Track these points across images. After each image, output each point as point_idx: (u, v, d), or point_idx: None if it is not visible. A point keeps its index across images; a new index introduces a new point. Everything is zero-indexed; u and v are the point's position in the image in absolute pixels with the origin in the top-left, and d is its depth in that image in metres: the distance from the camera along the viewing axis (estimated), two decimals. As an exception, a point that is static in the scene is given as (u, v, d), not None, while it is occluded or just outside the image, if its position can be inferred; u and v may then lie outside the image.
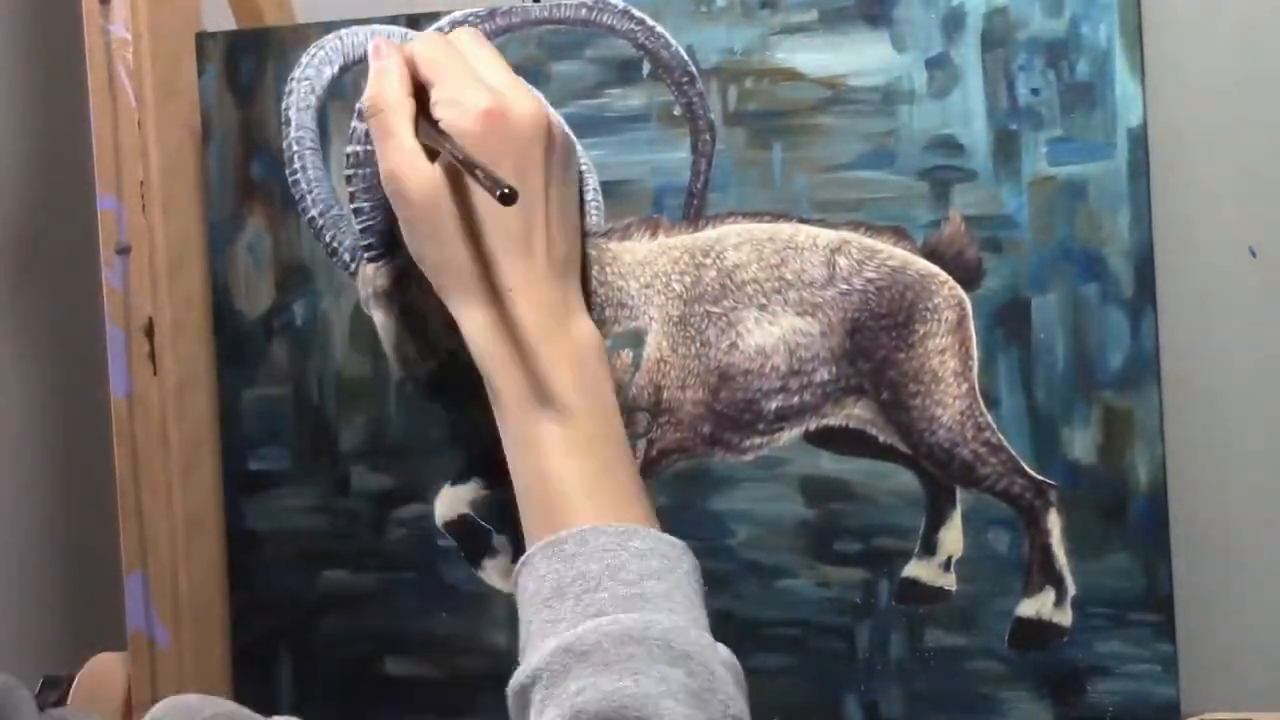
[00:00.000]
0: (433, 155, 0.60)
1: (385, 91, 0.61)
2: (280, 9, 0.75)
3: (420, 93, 0.61)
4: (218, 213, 0.72)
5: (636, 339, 0.67)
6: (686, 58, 0.66)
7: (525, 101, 0.59)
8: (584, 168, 0.67)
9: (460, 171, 0.58)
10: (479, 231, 0.59)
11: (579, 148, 0.67)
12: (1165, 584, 0.61)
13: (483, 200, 0.58)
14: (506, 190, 0.54)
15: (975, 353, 0.63)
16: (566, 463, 0.57)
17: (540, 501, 0.57)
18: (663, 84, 0.66)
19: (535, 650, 0.53)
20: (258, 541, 0.71)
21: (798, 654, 0.65)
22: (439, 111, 0.59)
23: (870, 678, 0.65)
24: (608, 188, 0.67)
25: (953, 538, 0.64)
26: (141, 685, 0.71)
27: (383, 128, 0.60)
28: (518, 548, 0.68)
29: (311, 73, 0.69)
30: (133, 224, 0.70)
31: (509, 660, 0.68)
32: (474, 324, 0.59)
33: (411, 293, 0.68)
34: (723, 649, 0.54)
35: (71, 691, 0.72)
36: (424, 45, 0.62)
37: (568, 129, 0.62)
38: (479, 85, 0.59)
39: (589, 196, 0.67)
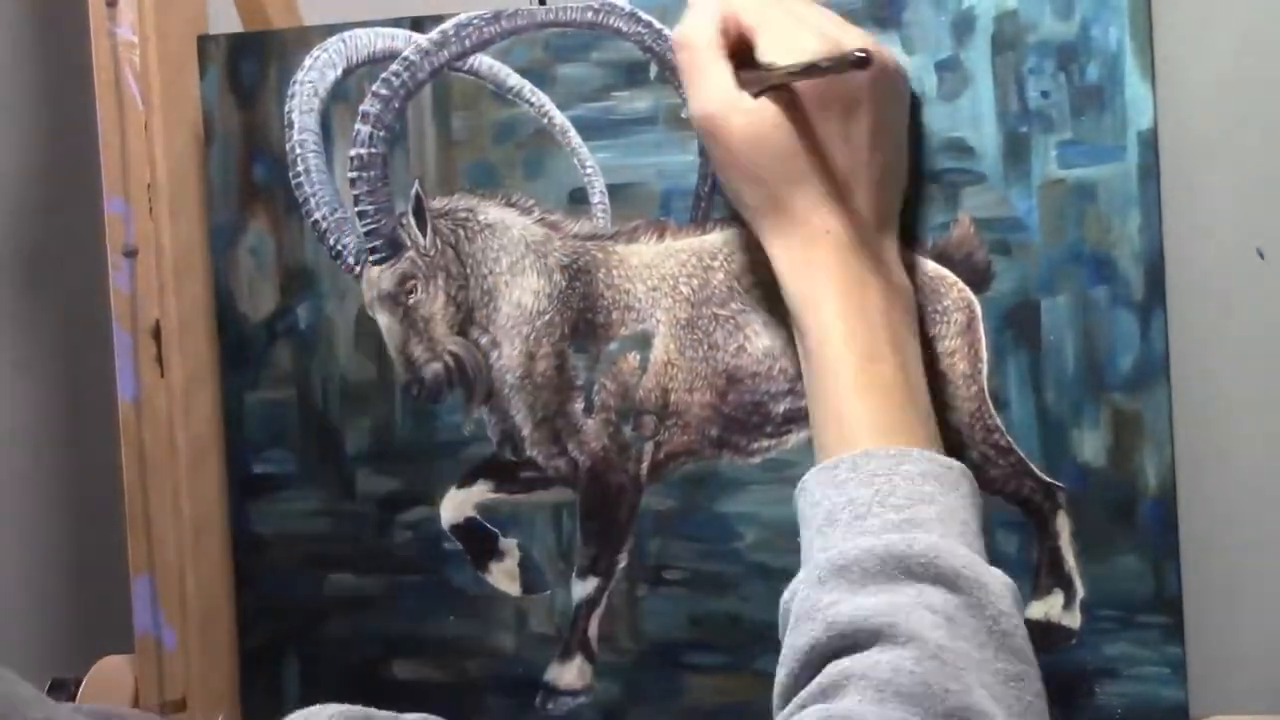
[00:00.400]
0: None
1: (699, 27, 0.59)
2: (287, 12, 0.75)
3: (739, 46, 0.59)
4: (220, 216, 0.72)
5: (644, 342, 0.66)
6: (694, 60, 0.65)
7: (856, 43, 0.57)
8: (590, 170, 0.67)
9: (786, 110, 0.57)
10: (803, 172, 0.57)
11: (585, 150, 0.67)
12: (1174, 586, 0.61)
13: (810, 140, 0.57)
14: (860, 54, 0.53)
15: (984, 355, 0.63)
16: (860, 401, 0.56)
17: (832, 436, 0.57)
18: (670, 86, 0.66)
19: (801, 571, 0.53)
20: (264, 544, 0.71)
21: (806, 657, 0.65)
22: (766, 57, 0.57)
23: (879, 681, 0.64)
24: (614, 190, 0.67)
25: (961, 540, 0.64)
26: (149, 687, 0.71)
27: (694, 64, 0.59)
28: (524, 551, 0.69)
29: (315, 75, 0.69)
30: (140, 227, 0.70)
31: (516, 663, 0.69)
32: (788, 263, 0.59)
33: (416, 295, 0.68)
34: (997, 571, 0.53)
35: (79, 694, 0.72)
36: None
37: (903, 74, 0.60)
38: (806, 29, 0.57)
39: (595, 199, 0.67)
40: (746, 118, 0.58)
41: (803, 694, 0.51)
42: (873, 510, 0.53)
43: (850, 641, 0.50)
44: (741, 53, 0.59)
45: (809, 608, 0.51)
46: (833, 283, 0.57)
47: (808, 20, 0.58)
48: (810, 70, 0.56)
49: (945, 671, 0.49)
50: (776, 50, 0.58)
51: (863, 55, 0.54)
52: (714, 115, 0.58)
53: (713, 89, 0.58)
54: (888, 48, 0.60)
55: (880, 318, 0.58)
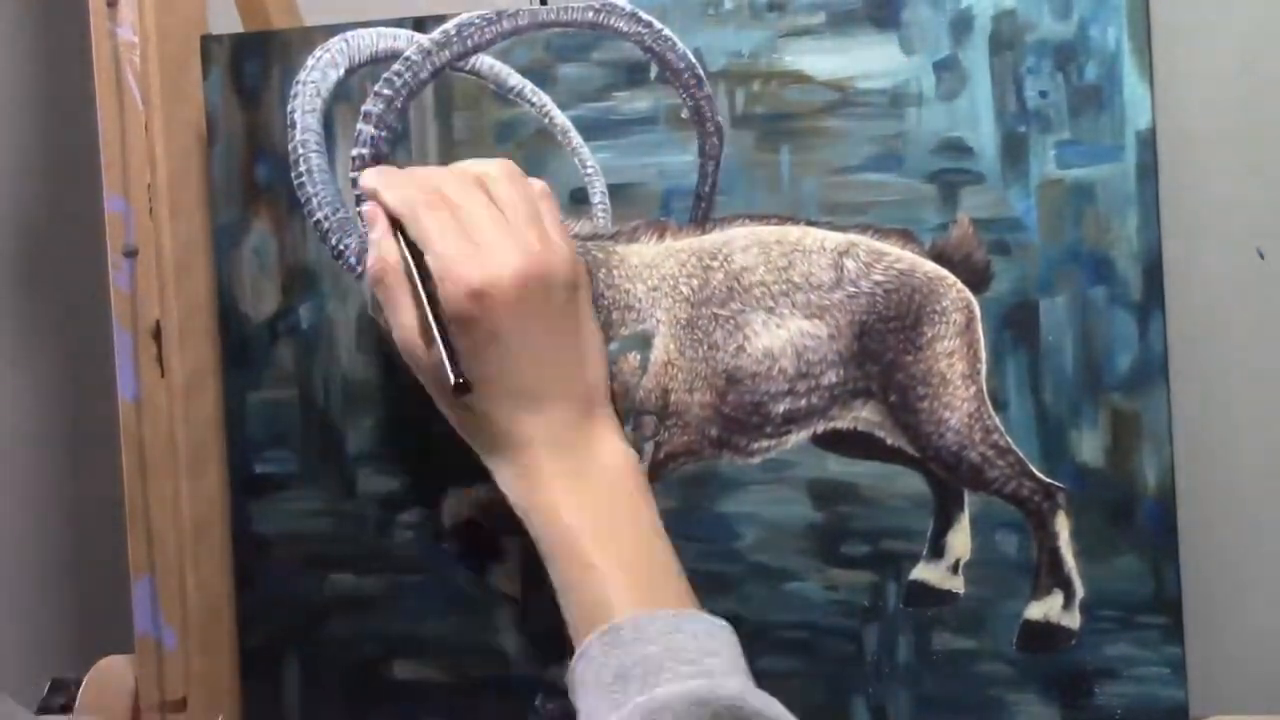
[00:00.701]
0: None
1: (385, 256, 0.60)
2: (288, 13, 0.75)
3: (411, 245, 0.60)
4: (223, 216, 0.72)
5: (644, 341, 0.67)
6: (694, 60, 0.66)
7: (512, 260, 0.58)
8: (591, 170, 0.67)
9: (466, 342, 0.59)
10: (492, 395, 0.59)
11: (586, 150, 0.67)
12: (1173, 586, 0.61)
13: (491, 365, 0.59)
14: (461, 381, 0.56)
15: (983, 355, 0.63)
16: (612, 588, 0.57)
17: (586, 603, 0.57)
18: (670, 86, 0.66)
19: None
20: (264, 544, 0.71)
21: (805, 657, 0.65)
22: (435, 285, 0.59)
23: (878, 680, 0.65)
24: (615, 190, 0.67)
25: (961, 540, 0.64)
26: (149, 688, 0.71)
27: (388, 296, 0.60)
28: (524, 551, 0.68)
29: (317, 75, 0.69)
30: (140, 226, 0.70)
31: (515, 663, 0.69)
32: (503, 477, 0.60)
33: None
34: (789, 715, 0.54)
35: (79, 694, 0.72)
36: (405, 208, 0.60)
37: (566, 262, 0.60)
38: (465, 254, 0.58)
39: (596, 199, 0.67)
40: (431, 353, 0.59)
41: None
42: (665, 665, 0.53)
43: None
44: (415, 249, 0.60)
45: None
46: (549, 491, 0.59)
47: (474, 231, 0.59)
48: (446, 346, 0.58)
49: None
50: (440, 280, 0.58)
51: (461, 383, 0.57)
52: (408, 352, 0.60)
53: (405, 321, 0.60)
54: (545, 247, 0.59)
55: (604, 498, 0.59)
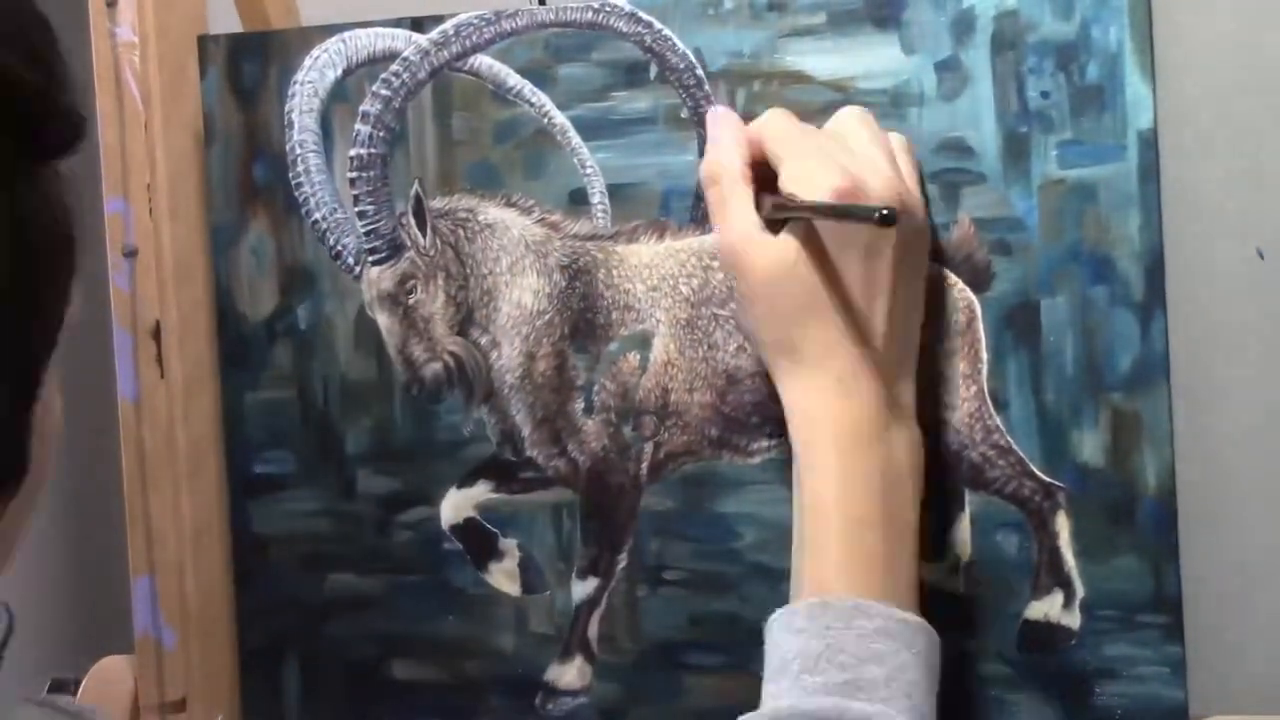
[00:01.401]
0: (774, 230, 0.58)
1: (723, 160, 0.59)
2: (287, 13, 0.75)
3: (763, 170, 0.59)
4: (220, 216, 0.72)
5: (644, 342, 0.66)
6: (694, 60, 0.66)
7: (879, 181, 0.56)
8: (590, 170, 0.67)
9: (807, 248, 0.56)
10: (819, 313, 0.57)
11: (586, 150, 0.67)
12: (1174, 586, 0.61)
13: (828, 281, 0.56)
14: (885, 211, 0.52)
15: (984, 355, 0.63)
16: (839, 568, 0.56)
17: (808, 584, 0.56)
18: (670, 86, 0.66)
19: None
20: (264, 545, 0.71)
21: (806, 657, 0.65)
22: (789, 188, 0.57)
23: (878, 681, 0.64)
24: (614, 190, 0.67)
25: (961, 540, 0.64)
26: (149, 688, 0.71)
27: (720, 198, 0.59)
28: (524, 551, 0.69)
29: (315, 75, 0.69)
30: (140, 226, 0.70)
31: (515, 663, 0.69)
32: (796, 408, 0.58)
33: (416, 295, 0.68)
34: None
35: (79, 694, 0.72)
36: (775, 123, 0.60)
37: (922, 213, 0.59)
38: (832, 162, 0.57)
39: (595, 200, 0.67)
40: (767, 254, 0.57)
41: None
42: (819, 666, 0.53)
43: None
44: (765, 178, 0.59)
45: None
46: (835, 440, 0.57)
47: (833, 156, 0.57)
48: (832, 211, 0.55)
49: None
50: (798, 183, 0.57)
51: (887, 214, 0.52)
52: (737, 250, 0.58)
53: (737, 223, 0.58)
54: (913, 195, 0.59)
55: (879, 480, 0.57)
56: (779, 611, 0.56)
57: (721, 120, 0.61)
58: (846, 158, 0.57)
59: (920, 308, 0.60)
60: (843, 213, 0.55)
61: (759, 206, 0.59)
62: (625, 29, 0.66)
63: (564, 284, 0.67)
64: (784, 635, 0.55)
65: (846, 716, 0.52)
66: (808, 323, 0.57)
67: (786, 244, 0.57)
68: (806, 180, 0.57)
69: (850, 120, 0.60)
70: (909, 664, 0.54)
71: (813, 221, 0.57)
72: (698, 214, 0.66)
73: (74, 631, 0.94)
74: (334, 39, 0.69)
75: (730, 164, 0.59)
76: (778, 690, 0.54)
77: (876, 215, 0.53)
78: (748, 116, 0.65)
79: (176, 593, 0.71)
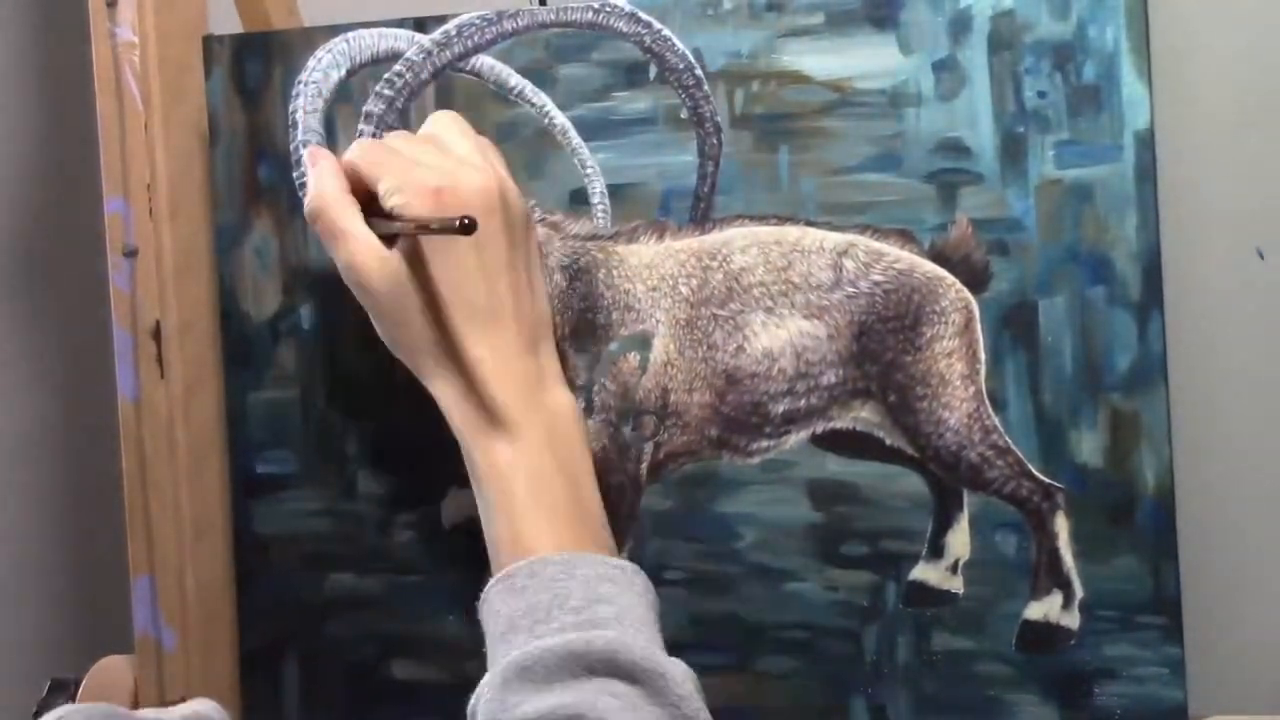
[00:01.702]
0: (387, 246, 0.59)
1: (325, 190, 0.60)
2: (288, 13, 0.75)
3: (366, 199, 0.60)
4: (224, 216, 0.72)
5: (644, 342, 0.67)
6: (693, 60, 0.66)
7: (473, 175, 0.59)
8: (590, 170, 0.67)
9: (420, 252, 0.58)
10: (445, 308, 0.59)
11: (586, 150, 0.67)
12: (1172, 587, 0.61)
13: (446, 276, 0.58)
14: (466, 221, 0.55)
15: (982, 355, 0.63)
16: (531, 523, 0.57)
17: (507, 555, 0.58)
18: (669, 87, 0.66)
19: (485, 676, 0.54)
20: (264, 544, 0.72)
21: (805, 657, 0.65)
22: (389, 202, 0.59)
23: (878, 681, 0.65)
24: (614, 191, 0.67)
25: (960, 540, 0.64)
26: (149, 688, 0.71)
27: (329, 225, 0.60)
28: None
29: (319, 76, 0.69)
30: (140, 227, 0.70)
31: (516, 663, 0.68)
32: (448, 398, 0.59)
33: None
34: (677, 660, 0.54)
35: (79, 694, 0.72)
36: (360, 150, 0.61)
37: (520, 198, 0.61)
38: (423, 168, 0.59)
39: (595, 200, 0.67)
40: (385, 269, 0.58)
41: None
42: (552, 614, 0.54)
43: None
44: (369, 201, 0.60)
45: (494, 710, 0.52)
46: (493, 413, 0.58)
47: (424, 162, 0.59)
48: (422, 228, 0.57)
49: None
50: (396, 194, 0.58)
51: (468, 222, 0.55)
52: (357, 268, 0.59)
53: (351, 243, 0.59)
54: (509, 182, 0.60)
55: (543, 438, 0.58)
56: (491, 583, 0.57)
57: (316, 156, 0.62)
58: (439, 159, 0.59)
59: (540, 274, 0.62)
60: (426, 227, 0.57)
61: (370, 227, 0.60)
62: (625, 29, 0.66)
63: (564, 284, 0.67)
64: (505, 599, 0.55)
65: (594, 644, 0.52)
66: (438, 322, 0.59)
67: (399, 256, 0.59)
68: (404, 190, 0.58)
69: (443, 121, 0.62)
70: (634, 603, 0.55)
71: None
72: (697, 214, 0.66)
73: (74, 631, 0.94)
74: (338, 39, 0.69)
75: (332, 192, 0.60)
76: (510, 647, 0.54)
77: (458, 224, 0.55)
78: (743, 119, 0.65)
79: (177, 593, 0.71)
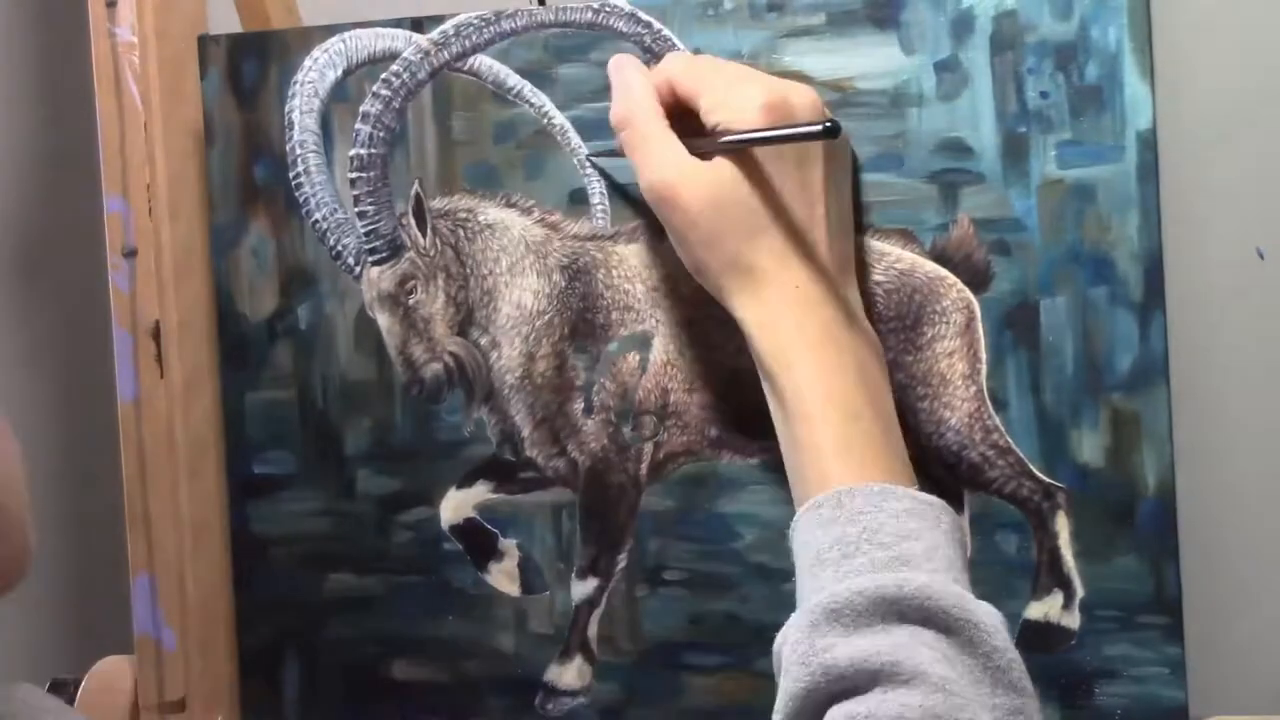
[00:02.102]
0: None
1: (635, 101, 0.59)
2: (287, 13, 0.75)
3: (677, 111, 0.59)
4: (221, 216, 0.72)
5: (644, 342, 0.66)
6: (693, 60, 0.66)
7: (802, 91, 0.58)
8: (590, 171, 0.67)
9: (740, 168, 0.56)
10: (765, 228, 0.57)
11: (585, 150, 0.67)
12: (1173, 587, 0.61)
13: (767, 194, 0.57)
14: (829, 124, 0.53)
15: (984, 355, 0.63)
16: (842, 462, 0.55)
17: (805, 465, 0.56)
18: (669, 86, 0.66)
19: (793, 615, 0.53)
20: (263, 544, 0.71)
21: (805, 657, 0.65)
22: (714, 117, 0.57)
23: (878, 681, 0.64)
24: (614, 190, 0.67)
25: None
26: (148, 687, 0.71)
27: (638, 137, 0.59)
28: (524, 551, 0.69)
29: (315, 76, 0.69)
30: (139, 227, 0.70)
31: (515, 664, 0.69)
32: (758, 323, 0.58)
33: (416, 295, 0.68)
34: (987, 605, 0.52)
35: (79, 694, 0.72)
36: (679, 61, 0.60)
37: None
38: (750, 82, 0.58)
39: (595, 200, 0.67)
40: (703, 180, 0.57)
41: None
42: (860, 548, 0.52)
43: (849, 684, 0.50)
44: (681, 117, 0.59)
45: (803, 653, 0.51)
46: (806, 340, 0.57)
47: (746, 74, 0.58)
48: (779, 137, 0.55)
49: (951, 704, 0.49)
50: (723, 109, 0.57)
51: (830, 125, 0.53)
52: (671, 183, 0.58)
53: (665, 157, 0.58)
54: (808, 88, 0.59)
55: (856, 373, 0.57)
56: (800, 512, 0.55)
57: (625, 66, 0.61)
58: (756, 73, 0.59)
59: (850, 213, 0.61)
60: (788, 136, 0.55)
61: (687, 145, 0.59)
62: (625, 29, 0.66)
63: (564, 284, 0.67)
64: (813, 531, 0.54)
65: (907, 587, 0.50)
66: (756, 240, 0.57)
67: (721, 167, 0.57)
68: (731, 105, 0.57)
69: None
70: (941, 541, 0.54)
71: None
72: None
73: (73, 631, 0.94)
74: (334, 39, 0.69)
75: (643, 101, 0.59)
76: (818, 584, 0.52)
77: (822, 128, 0.53)
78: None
79: (176, 593, 0.71)
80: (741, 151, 0.57)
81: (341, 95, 0.69)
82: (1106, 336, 0.62)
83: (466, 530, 0.69)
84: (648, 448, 0.67)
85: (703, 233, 0.58)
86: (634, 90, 0.60)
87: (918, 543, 0.53)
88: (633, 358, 0.67)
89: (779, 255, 0.57)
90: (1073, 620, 0.62)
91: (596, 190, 0.67)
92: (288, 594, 0.71)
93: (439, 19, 0.68)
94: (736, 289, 0.58)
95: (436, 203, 0.69)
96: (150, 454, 0.71)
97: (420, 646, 0.70)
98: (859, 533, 0.53)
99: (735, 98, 0.57)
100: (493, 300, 0.68)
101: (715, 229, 0.57)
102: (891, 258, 0.64)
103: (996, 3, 0.62)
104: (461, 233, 0.68)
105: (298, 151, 0.69)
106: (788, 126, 0.56)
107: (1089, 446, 0.62)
